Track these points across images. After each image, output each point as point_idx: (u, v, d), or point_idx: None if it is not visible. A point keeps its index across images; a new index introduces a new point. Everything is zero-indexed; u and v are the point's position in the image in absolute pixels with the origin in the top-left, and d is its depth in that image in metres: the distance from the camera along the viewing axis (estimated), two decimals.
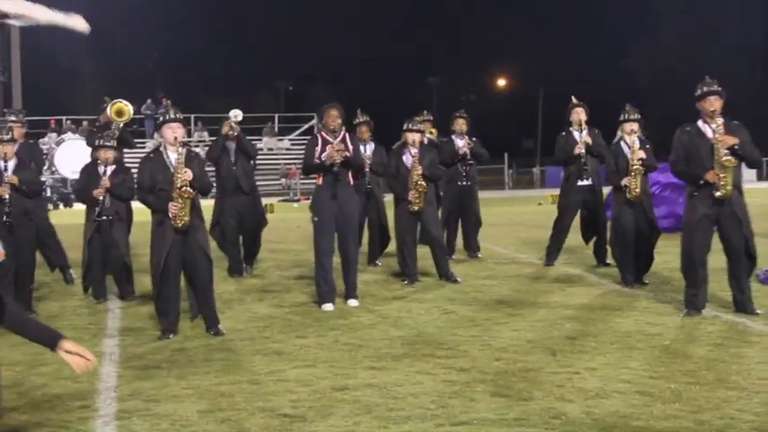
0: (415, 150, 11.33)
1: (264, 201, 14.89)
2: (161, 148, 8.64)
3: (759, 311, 8.73)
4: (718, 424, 5.41)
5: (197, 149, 15.19)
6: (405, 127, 11.55)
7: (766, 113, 57.30)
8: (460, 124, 13.84)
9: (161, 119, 8.89)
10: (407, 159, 11.39)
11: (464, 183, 13.72)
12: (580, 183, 12.40)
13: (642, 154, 10.60)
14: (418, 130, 11.51)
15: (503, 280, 11.74)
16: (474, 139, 13.88)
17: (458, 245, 14.14)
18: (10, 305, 4.36)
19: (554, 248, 12.93)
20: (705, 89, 8.80)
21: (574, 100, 12.79)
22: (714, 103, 8.69)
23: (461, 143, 13.71)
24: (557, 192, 13.67)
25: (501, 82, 78.03)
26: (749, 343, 7.54)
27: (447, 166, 13.68)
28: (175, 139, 8.53)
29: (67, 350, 4.31)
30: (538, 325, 8.63)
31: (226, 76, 73.90)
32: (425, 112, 14.61)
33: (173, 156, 8.51)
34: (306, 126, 47.60)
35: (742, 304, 8.83)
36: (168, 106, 8.97)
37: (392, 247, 13.65)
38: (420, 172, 11.23)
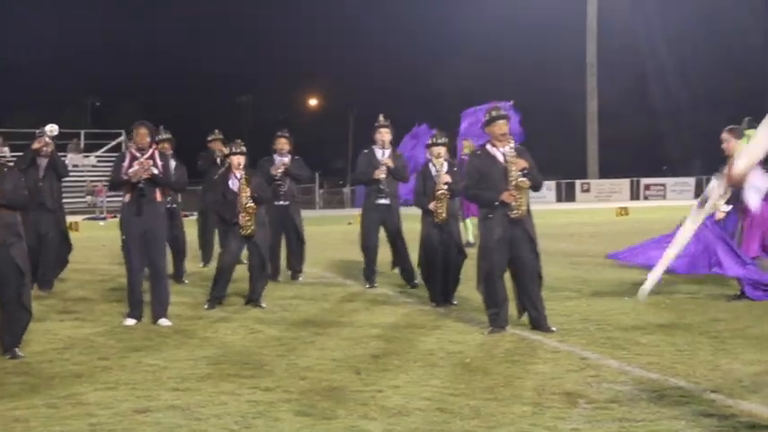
0: (240, 173, 11.19)
1: (69, 219, 14.50)
2: None
3: (554, 329, 9.09)
4: None
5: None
6: (227, 151, 11.39)
7: (559, 140, 59.84)
8: (282, 143, 13.68)
9: None
10: (233, 183, 11.18)
11: (281, 202, 13.60)
12: (378, 201, 12.57)
13: (448, 178, 10.88)
14: (242, 153, 11.35)
15: (310, 299, 11.79)
16: (297, 157, 13.83)
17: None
18: None
19: (370, 270, 12.88)
20: (494, 114, 9.17)
21: (380, 119, 12.82)
22: (503, 127, 9.08)
23: (278, 163, 13.65)
24: None
25: (312, 101, 78.47)
26: (544, 359, 7.83)
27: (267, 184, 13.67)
28: None
29: None
30: (344, 344, 8.71)
31: (30, 90, 71.38)
32: (216, 131, 14.58)
33: None
34: (113, 143, 46.58)
35: (537, 321, 9.15)
36: None
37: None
38: (249, 194, 11.06)
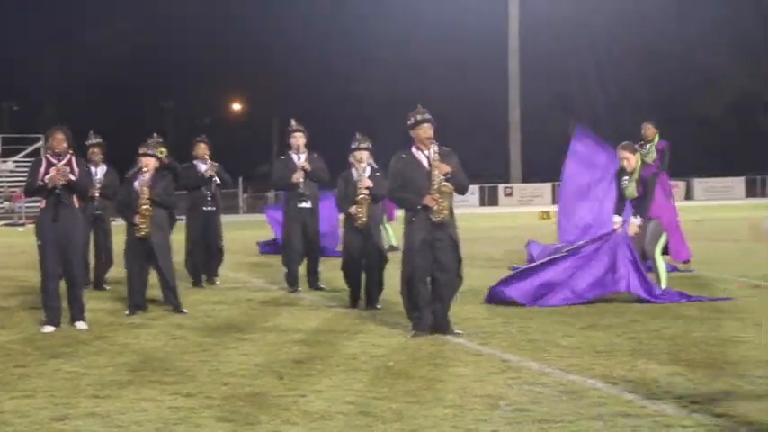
0: (148, 175, 11.09)
1: None
2: None
3: (459, 331, 9.16)
4: None
5: None
6: (141, 151, 11.30)
7: (482, 144, 60.45)
8: (202, 149, 13.68)
9: None
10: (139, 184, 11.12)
11: (209, 207, 13.54)
12: (300, 205, 12.63)
13: (369, 183, 10.94)
14: (153, 155, 11.29)
15: (233, 304, 11.75)
16: (216, 163, 13.79)
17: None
18: None
19: (292, 275, 12.90)
20: (419, 117, 9.21)
21: (293, 124, 12.95)
22: (428, 131, 9.12)
23: (205, 167, 13.57)
24: None
25: (236, 106, 78.01)
26: (466, 362, 7.89)
27: (190, 190, 13.59)
28: None
29: None
30: (267, 349, 8.69)
31: None
32: (155, 134, 14.45)
33: None
34: (32, 148, 45.81)
35: (442, 325, 9.17)
36: None
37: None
38: (147, 196, 10.98)
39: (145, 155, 11.20)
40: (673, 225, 11.83)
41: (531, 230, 25.22)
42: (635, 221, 11.10)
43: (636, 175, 11.18)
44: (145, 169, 11.10)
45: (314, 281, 12.96)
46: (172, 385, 7.19)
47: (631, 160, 11.23)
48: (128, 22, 69.97)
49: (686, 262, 13.67)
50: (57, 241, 9.82)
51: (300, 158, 12.71)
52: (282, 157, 13.06)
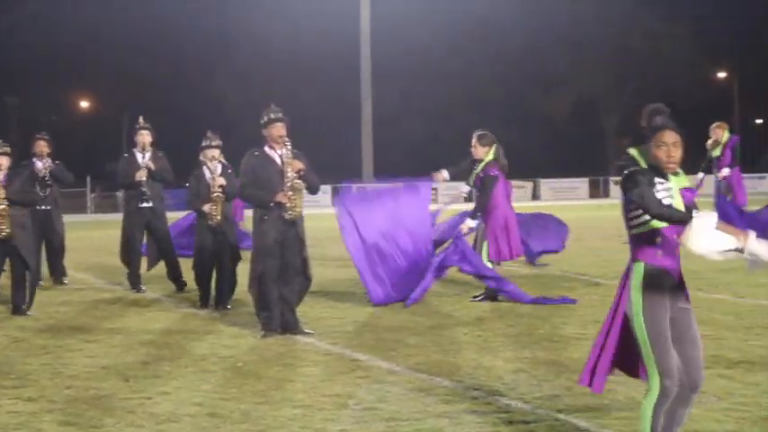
0: (2, 174, 10.71)
1: None
2: None
3: (309, 331, 9.21)
4: None
5: None
6: None
7: (335, 143, 60.79)
8: (42, 146, 13.29)
9: None
10: None
11: (43, 207, 13.15)
12: (141, 205, 12.51)
13: (222, 181, 10.89)
14: (4, 153, 10.91)
15: (79, 305, 11.49)
16: (57, 162, 13.43)
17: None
18: None
19: (134, 274, 12.74)
20: (272, 116, 9.23)
21: (141, 121, 12.83)
22: (281, 130, 9.14)
23: (40, 166, 13.22)
24: None
25: (84, 104, 76.15)
26: (315, 362, 7.92)
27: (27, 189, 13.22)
28: None
29: None
30: (113, 351, 8.54)
31: None
32: None
33: None
34: None
35: (292, 324, 9.19)
36: None
37: None
38: (3, 196, 10.60)
39: None
40: (511, 224, 11.83)
41: None
42: (469, 222, 11.30)
43: (478, 169, 11.33)
44: None
45: (177, 281, 12.70)
46: (12, 389, 7.00)
47: (479, 151, 11.36)
48: None
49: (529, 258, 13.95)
50: None
51: (145, 157, 12.58)
52: (126, 155, 12.92)
